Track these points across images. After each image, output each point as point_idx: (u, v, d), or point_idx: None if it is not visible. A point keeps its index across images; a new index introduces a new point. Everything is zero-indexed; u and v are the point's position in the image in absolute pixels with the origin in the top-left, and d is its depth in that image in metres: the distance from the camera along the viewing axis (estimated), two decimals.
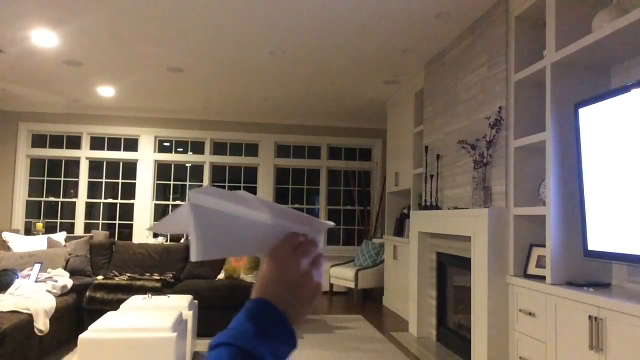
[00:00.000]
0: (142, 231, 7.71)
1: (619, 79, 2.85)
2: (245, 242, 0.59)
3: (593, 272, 2.85)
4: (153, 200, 7.81)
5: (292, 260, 0.58)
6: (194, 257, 0.53)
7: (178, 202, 7.95)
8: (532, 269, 3.14)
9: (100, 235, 6.49)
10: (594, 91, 2.86)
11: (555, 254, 2.85)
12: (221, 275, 5.08)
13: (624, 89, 2.38)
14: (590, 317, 2.40)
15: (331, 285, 7.00)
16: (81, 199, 7.63)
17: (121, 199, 7.79)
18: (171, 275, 5.01)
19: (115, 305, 4.38)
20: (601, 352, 2.32)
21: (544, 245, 3.04)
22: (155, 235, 7.79)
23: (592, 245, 2.60)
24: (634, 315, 2.13)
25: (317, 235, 0.63)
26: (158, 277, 4.83)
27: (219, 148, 8.04)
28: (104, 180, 7.75)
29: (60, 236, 5.71)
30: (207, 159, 7.97)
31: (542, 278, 2.96)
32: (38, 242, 5.39)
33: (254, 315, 0.54)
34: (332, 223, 0.64)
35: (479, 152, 3.76)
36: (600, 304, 2.34)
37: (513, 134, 3.35)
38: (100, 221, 7.72)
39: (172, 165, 7.97)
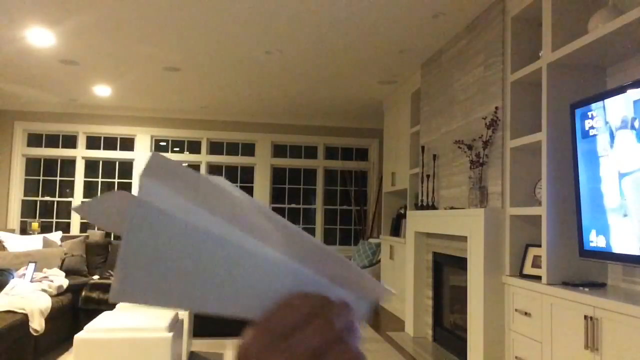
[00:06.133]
0: None
1: (615, 79, 2.86)
2: (218, 290, 0.31)
3: (589, 272, 2.86)
4: None
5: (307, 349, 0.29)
6: (112, 296, 0.30)
7: None
8: (528, 269, 3.14)
9: (96, 234, 6.47)
10: (590, 92, 2.87)
11: (551, 254, 2.86)
12: None
13: (620, 89, 2.39)
14: (585, 317, 2.41)
15: None
16: (77, 199, 7.61)
17: None
18: None
19: (111, 305, 4.37)
20: (596, 351, 2.33)
21: (539, 245, 3.05)
22: None
23: (587, 245, 2.61)
24: (629, 315, 2.14)
25: (359, 304, 0.34)
26: None
27: (215, 148, 8.03)
28: (100, 179, 7.73)
29: (56, 236, 5.69)
30: (203, 158, 7.95)
31: (537, 278, 2.97)
32: (34, 242, 5.37)
33: None
34: (391, 290, 0.35)
35: (475, 152, 3.77)
36: (595, 304, 2.35)
37: (509, 134, 3.36)
38: None
39: None
